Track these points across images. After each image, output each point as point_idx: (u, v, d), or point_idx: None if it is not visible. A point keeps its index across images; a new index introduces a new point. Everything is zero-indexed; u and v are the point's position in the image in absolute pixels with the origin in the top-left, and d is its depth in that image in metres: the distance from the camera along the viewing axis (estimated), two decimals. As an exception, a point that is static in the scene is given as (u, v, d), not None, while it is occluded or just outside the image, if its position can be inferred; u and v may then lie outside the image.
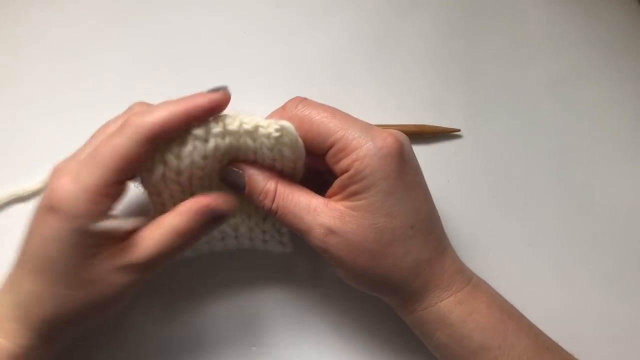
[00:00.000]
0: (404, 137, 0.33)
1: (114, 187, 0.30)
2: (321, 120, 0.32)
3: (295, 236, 0.35)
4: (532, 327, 0.36)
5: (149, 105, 0.33)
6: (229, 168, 0.33)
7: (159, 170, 0.31)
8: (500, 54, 0.46)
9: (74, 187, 0.29)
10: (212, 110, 0.31)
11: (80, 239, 0.29)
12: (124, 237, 0.31)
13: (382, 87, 0.44)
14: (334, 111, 0.33)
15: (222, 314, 0.39)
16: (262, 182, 0.33)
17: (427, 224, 0.34)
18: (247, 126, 0.32)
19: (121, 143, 0.29)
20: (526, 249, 0.42)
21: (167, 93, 0.42)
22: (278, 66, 0.44)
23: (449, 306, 0.33)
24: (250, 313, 0.39)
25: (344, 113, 0.33)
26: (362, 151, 0.32)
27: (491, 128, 0.44)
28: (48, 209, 0.29)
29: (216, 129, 0.32)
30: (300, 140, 0.33)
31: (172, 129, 0.30)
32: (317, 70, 0.44)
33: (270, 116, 0.34)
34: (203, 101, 0.31)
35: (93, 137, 0.33)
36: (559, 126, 0.45)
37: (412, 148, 0.34)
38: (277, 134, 0.32)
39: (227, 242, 0.37)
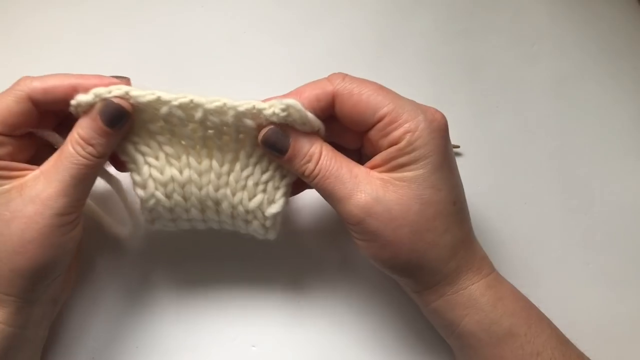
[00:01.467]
0: (443, 116, 0.34)
1: (7, 127, 0.31)
2: (370, 94, 0.32)
3: (283, 227, 0.35)
4: (551, 323, 0.35)
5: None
6: (273, 128, 0.32)
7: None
8: (502, 53, 0.46)
9: None
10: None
11: None
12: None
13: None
14: (380, 86, 0.33)
15: (222, 314, 0.39)
16: (308, 145, 0.32)
17: (464, 203, 0.34)
18: (241, 108, 0.31)
19: (3, 98, 0.31)
20: (526, 249, 0.42)
21: (167, 92, 0.42)
22: (278, 66, 0.44)
23: (480, 289, 0.33)
24: (250, 313, 0.39)
25: (389, 89, 0.33)
26: (415, 123, 0.31)
27: (492, 128, 0.44)
28: None
29: (180, 100, 0.32)
30: (310, 115, 0.32)
31: (55, 95, 0.31)
32: (317, 70, 0.44)
33: (314, 85, 0.34)
34: (95, 81, 0.32)
35: None
36: (559, 125, 0.45)
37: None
38: (283, 114, 0.32)
39: (207, 216, 0.35)
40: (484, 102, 0.45)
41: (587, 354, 0.40)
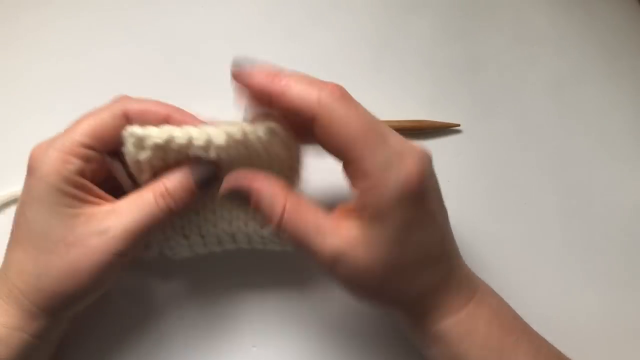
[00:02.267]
0: (428, 159, 0.31)
1: (83, 150, 0.31)
2: (348, 127, 0.29)
3: None
4: (533, 343, 0.35)
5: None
6: (230, 176, 0.31)
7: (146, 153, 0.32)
8: (501, 54, 0.46)
9: (45, 146, 0.31)
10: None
11: (54, 198, 0.30)
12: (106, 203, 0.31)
13: (383, 87, 0.44)
14: (368, 120, 0.30)
15: (222, 313, 0.39)
16: (268, 197, 0.31)
17: (439, 250, 0.32)
18: (237, 135, 0.32)
19: (98, 112, 0.32)
20: (526, 249, 0.42)
21: (167, 92, 0.42)
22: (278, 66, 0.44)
23: (448, 326, 0.32)
24: (250, 313, 0.39)
25: (378, 124, 0.30)
26: (384, 182, 0.29)
27: (491, 128, 0.44)
28: (27, 174, 0.31)
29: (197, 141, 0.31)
30: (293, 141, 0.32)
31: (148, 119, 0.31)
32: (318, 70, 0.44)
33: (307, 84, 0.31)
34: (189, 119, 0.32)
35: None
36: (559, 126, 0.45)
37: (432, 167, 0.32)
38: (266, 137, 0.32)
39: (224, 246, 0.37)
40: (484, 102, 0.45)
41: (587, 354, 0.40)
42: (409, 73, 0.45)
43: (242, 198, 0.32)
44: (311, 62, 0.44)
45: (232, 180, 0.31)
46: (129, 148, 0.31)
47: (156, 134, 0.30)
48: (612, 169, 0.44)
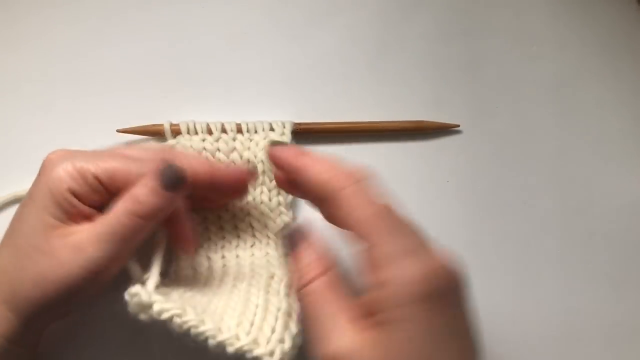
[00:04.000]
0: (455, 273, 0.26)
1: (95, 181, 0.31)
2: (359, 210, 0.27)
3: None
4: None
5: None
6: (290, 232, 0.31)
7: None
8: (501, 54, 0.46)
9: (64, 156, 0.31)
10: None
11: (46, 204, 0.30)
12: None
13: (383, 87, 0.44)
14: (386, 208, 0.28)
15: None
16: (307, 260, 0.30)
17: None
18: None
19: (132, 158, 0.32)
20: (526, 249, 0.42)
21: (167, 93, 0.42)
22: (278, 66, 0.44)
23: None
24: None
25: (397, 215, 0.27)
26: (398, 276, 0.25)
27: (491, 128, 0.44)
28: (38, 173, 0.31)
29: None
30: None
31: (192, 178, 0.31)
32: (318, 70, 0.44)
33: (327, 165, 0.30)
34: (231, 178, 0.33)
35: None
36: (558, 126, 0.45)
37: (463, 286, 0.27)
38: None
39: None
40: (484, 102, 0.45)
41: (587, 353, 0.40)
42: (409, 73, 0.45)
43: (290, 246, 0.31)
44: (310, 67, 0.44)
45: (292, 230, 0.31)
46: (130, 306, 0.29)
47: (159, 307, 0.28)
48: (612, 169, 0.44)
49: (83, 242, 0.30)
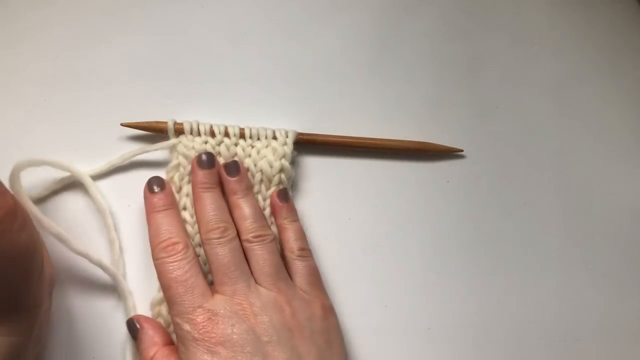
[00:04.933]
0: (223, 322, 0.32)
1: None
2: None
3: None
4: None
5: None
6: (128, 321, 0.35)
7: None
8: (501, 54, 0.46)
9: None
10: None
11: None
12: None
13: (383, 87, 0.44)
14: (168, 284, 0.33)
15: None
16: (146, 344, 0.34)
17: None
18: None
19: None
20: (526, 249, 0.42)
21: (167, 93, 0.42)
22: (278, 67, 0.44)
23: None
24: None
25: (177, 287, 0.33)
26: (176, 336, 0.33)
27: (491, 128, 0.44)
28: None
29: None
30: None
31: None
32: (317, 71, 0.44)
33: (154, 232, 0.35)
34: None
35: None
36: (559, 126, 0.45)
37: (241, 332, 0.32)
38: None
39: None
40: (484, 102, 0.45)
41: (587, 353, 0.40)
42: (409, 73, 0.45)
43: (130, 335, 0.35)
44: (310, 67, 0.44)
45: (131, 319, 0.36)
46: None
47: None
48: (612, 169, 0.44)
49: None
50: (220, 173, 0.37)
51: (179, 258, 0.33)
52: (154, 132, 0.39)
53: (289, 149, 0.39)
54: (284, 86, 0.44)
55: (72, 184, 0.39)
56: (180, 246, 0.34)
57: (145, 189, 0.37)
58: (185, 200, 0.37)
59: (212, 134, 0.38)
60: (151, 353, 0.34)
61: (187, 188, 0.38)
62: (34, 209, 0.36)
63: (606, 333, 0.41)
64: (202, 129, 0.38)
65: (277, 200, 0.38)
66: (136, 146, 0.40)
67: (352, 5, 0.46)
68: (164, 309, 0.35)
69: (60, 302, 0.36)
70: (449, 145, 0.43)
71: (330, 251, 0.40)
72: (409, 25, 0.46)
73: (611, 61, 0.47)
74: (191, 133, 0.38)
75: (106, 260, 0.37)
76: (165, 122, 0.39)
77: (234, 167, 0.37)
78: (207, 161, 0.37)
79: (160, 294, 0.35)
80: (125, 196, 0.39)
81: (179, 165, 0.38)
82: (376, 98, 0.44)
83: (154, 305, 0.36)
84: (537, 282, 0.41)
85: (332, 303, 0.37)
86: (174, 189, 0.38)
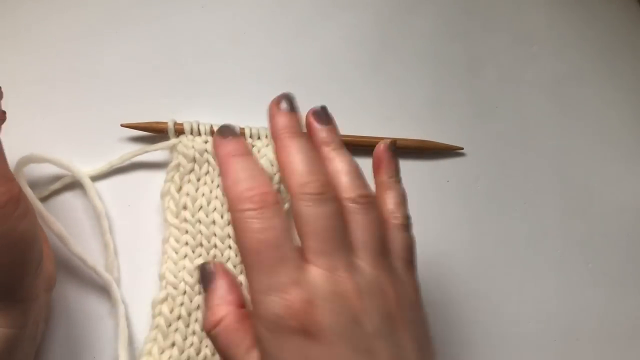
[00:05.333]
0: (313, 308, 0.25)
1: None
2: (245, 239, 0.26)
3: None
4: None
5: None
6: (203, 264, 0.30)
7: None
8: (502, 53, 0.46)
9: None
10: None
11: None
12: None
13: (383, 86, 0.44)
14: (255, 247, 0.26)
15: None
16: (218, 300, 0.29)
17: None
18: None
19: None
20: (526, 249, 0.42)
21: (167, 93, 0.42)
22: (278, 67, 0.44)
23: None
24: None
25: (268, 251, 0.26)
26: (257, 316, 0.25)
27: (491, 128, 0.44)
28: None
29: None
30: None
31: None
32: (318, 71, 0.44)
33: (234, 181, 0.29)
34: None
35: None
36: (559, 126, 0.45)
37: (346, 316, 0.25)
38: None
39: None
40: (484, 102, 0.45)
41: (587, 353, 0.40)
42: (409, 73, 0.45)
43: (201, 282, 0.30)
44: (310, 67, 0.44)
45: (206, 265, 0.30)
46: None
47: None
48: (612, 168, 0.44)
49: None
50: (307, 121, 0.31)
51: (270, 214, 0.26)
52: (154, 133, 0.39)
53: None
54: (284, 86, 0.43)
55: (71, 185, 0.39)
56: (271, 198, 0.26)
57: (216, 136, 0.29)
58: (185, 199, 0.37)
59: (213, 134, 0.38)
60: (220, 314, 0.28)
61: (187, 187, 0.38)
62: (38, 205, 0.36)
63: (606, 333, 0.41)
64: (202, 129, 0.38)
65: (385, 153, 0.31)
66: (136, 146, 0.40)
67: (352, 5, 0.46)
68: (165, 308, 0.35)
69: (59, 301, 0.36)
70: (450, 144, 0.43)
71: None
72: (409, 25, 0.46)
73: (611, 61, 0.47)
74: (191, 133, 0.38)
75: (101, 264, 0.37)
76: (165, 123, 0.39)
77: (324, 114, 0.31)
78: (289, 104, 0.30)
79: (162, 293, 0.35)
80: (125, 197, 0.39)
81: (179, 165, 0.38)
82: (376, 97, 0.44)
83: (155, 304, 0.36)
84: (537, 282, 0.41)
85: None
86: (174, 189, 0.38)
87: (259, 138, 0.39)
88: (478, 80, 0.45)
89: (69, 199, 0.39)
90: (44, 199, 0.39)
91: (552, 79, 0.46)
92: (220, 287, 0.29)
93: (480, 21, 0.47)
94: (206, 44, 0.44)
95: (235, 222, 0.27)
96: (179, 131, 0.39)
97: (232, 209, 0.27)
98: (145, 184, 0.39)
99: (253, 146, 0.39)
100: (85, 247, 0.37)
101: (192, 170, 0.38)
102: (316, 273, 0.25)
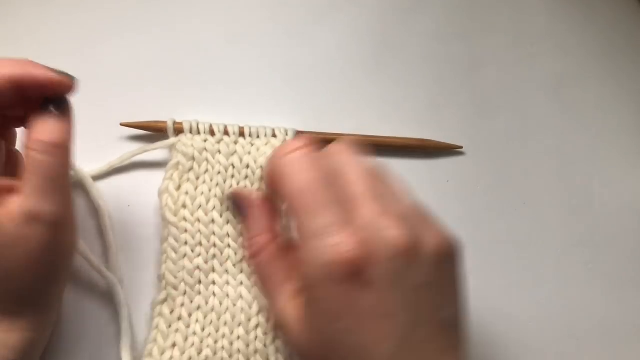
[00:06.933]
0: (372, 246, 0.24)
1: None
2: (295, 178, 0.26)
3: None
4: None
5: None
6: (235, 193, 0.32)
7: None
8: (502, 53, 0.46)
9: None
10: (47, 87, 0.28)
11: None
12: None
13: (383, 86, 0.44)
14: (304, 187, 0.26)
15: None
16: (258, 229, 0.30)
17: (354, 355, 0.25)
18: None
19: None
20: (526, 249, 0.42)
21: (167, 93, 0.42)
22: (278, 67, 0.44)
23: None
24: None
25: (316, 193, 0.25)
26: (306, 256, 0.25)
27: (491, 128, 0.44)
28: None
29: None
30: None
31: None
32: (318, 70, 0.44)
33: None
34: (40, 74, 0.28)
35: None
36: (559, 125, 0.45)
37: (396, 257, 0.25)
38: None
39: None
40: (484, 102, 0.45)
41: (587, 353, 0.40)
42: (409, 73, 0.45)
43: (237, 210, 0.32)
44: (310, 67, 0.44)
45: (240, 194, 0.32)
46: None
47: None
48: (612, 168, 0.44)
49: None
50: None
51: (317, 155, 0.27)
52: (154, 132, 0.39)
53: None
54: (284, 86, 0.44)
55: (73, 184, 0.39)
56: (316, 144, 0.27)
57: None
58: (184, 198, 0.37)
59: (212, 133, 0.39)
60: (260, 245, 0.30)
61: (187, 186, 0.38)
62: None
63: (606, 333, 0.41)
64: (201, 128, 0.38)
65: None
66: (136, 146, 0.40)
67: (352, 5, 0.46)
68: (165, 309, 0.35)
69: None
70: (450, 143, 0.43)
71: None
72: (409, 25, 0.46)
73: (611, 61, 0.47)
74: (190, 132, 0.38)
75: (102, 264, 0.36)
76: (165, 122, 0.39)
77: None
78: None
79: (162, 294, 0.35)
80: (124, 196, 0.39)
81: (178, 164, 0.38)
82: (377, 97, 0.44)
83: (154, 305, 0.36)
84: (537, 282, 0.41)
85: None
86: (172, 187, 0.38)
87: (258, 137, 0.39)
88: (478, 80, 0.45)
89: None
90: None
91: (553, 78, 0.46)
92: (260, 217, 0.30)
93: (481, 21, 0.47)
94: (206, 44, 0.44)
95: (279, 168, 0.27)
96: (179, 130, 0.39)
97: (276, 155, 0.27)
98: (145, 184, 0.39)
99: (252, 145, 0.39)
100: (87, 248, 0.37)
101: (191, 168, 0.38)
102: (368, 217, 0.25)
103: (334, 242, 0.24)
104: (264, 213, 0.31)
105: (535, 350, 0.40)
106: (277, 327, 0.33)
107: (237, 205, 0.32)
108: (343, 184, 0.26)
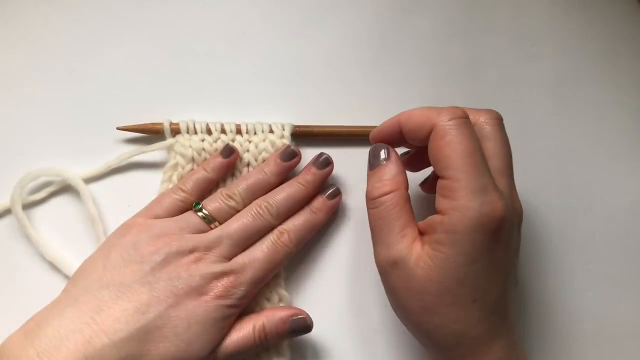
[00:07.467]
0: (509, 211, 0.31)
1: None
2: (455, 146, 0.31)
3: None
4: None
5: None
6: (375, 146, 0.35)
7: None
8: (502, 53, 0.46)
9: None
10: None
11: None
12: None
13: (383, 86, 0.44)
14: (476, 148, 0.31)
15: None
16: (390, 174, 0.34)
17: (491, 305, 0.31)
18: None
19: None
20: (526, 249, 0.42)
21: (167, 93, 0.42)
22: (278, 66, 0.44)
23: None
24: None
25: (478, 157, 0.31)
26: (464, 207, 0.30)
27: (491, 128, 0.44)
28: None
29: None
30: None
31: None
32: (317, 70, 0.44)
33: (423, 113, 0.34)
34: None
35: None
36: (558, 125, 0.45)
37: (514, 224, 0.33)
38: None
39: None
40: (483, 102, 0.45)
41: (587, 353, 0.40)
42: (409, 73, 0.45)
43: (375, 154, 0.35)
44: (310, 67, 0.44)
45: (376, 145, 0.35)
46: None
47: None
48: (612, 168, 0.44)
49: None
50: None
51: (469, 124, 0.33)
52: (151, 134, 0.39)
53: (287, 140, 0.39)
54: (284, 86, 0.44)
55: (70, 187, 0.39)
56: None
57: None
58: None
59: (209, 132, 0.38)
60: (391, 187, 0.33)
61: None
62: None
63: (606, 333, 0.41)
64: (198, 128, 0.38)
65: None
66: (133, 148, 0.40)
67: (352, 4, 0.46)
68: None
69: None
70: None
71: (329, 244, 0.41)
72: (409, 25, 0.46)
73: (611, 61, 0.47)
74: (187, 132, 0.38)
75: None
76: (161, 124, 0.39)
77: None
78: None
79: None
80: (124, 197, 0.39)
81: (177, 164, 0.38)
82: (376, 97, 0.44)
83: None
84: (537, 282, 0.41)
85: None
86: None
87: (255, 134, 0.39)
88: (478, 80, 0.45)
89: (67, 202, 0.40)
90: (40, 203, 0.39)
91: (553, 78, 0.46)
92: (394, 166, 0.34)
93: (480, 21, 0.47)
94: (206, 43, 0.44)
95: (447, 128, 0.32)
96: (175, 131, 0.39)
97: (441, 117, 0.32)
98: (144, 185, 0.40)
99: (250, 142, 0.39)
100: (82, 250, 0.37)
101: (190, 170, 0.38)
102: (504, 188, 0.32)
103: (491, 200, 0.30)
104: (398, 165, 0.34)
105: (535, 350, 0.40)
106: (390, 265, 0.32)
107: (376, 150, 0.35)
108: (488, 155, 0.32)
